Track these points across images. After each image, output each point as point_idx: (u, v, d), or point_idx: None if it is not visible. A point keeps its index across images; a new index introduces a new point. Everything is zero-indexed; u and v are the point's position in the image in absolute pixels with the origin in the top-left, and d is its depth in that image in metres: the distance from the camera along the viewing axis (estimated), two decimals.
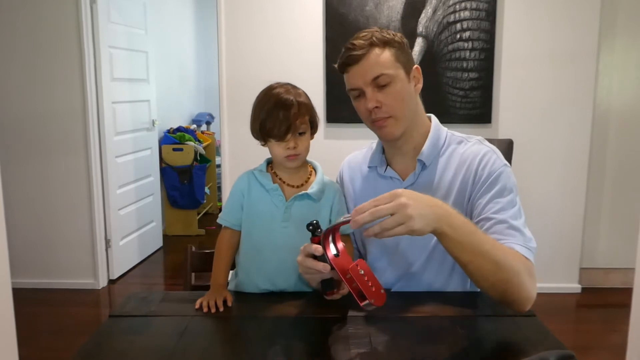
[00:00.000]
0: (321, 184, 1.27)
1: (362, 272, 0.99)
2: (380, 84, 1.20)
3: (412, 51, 1.31)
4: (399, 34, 1.24)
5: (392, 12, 3.05)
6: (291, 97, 1.19)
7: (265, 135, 1.22)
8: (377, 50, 1.20)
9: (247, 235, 1.28)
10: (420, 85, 1.28)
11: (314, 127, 1.25)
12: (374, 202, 0.94)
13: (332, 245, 1.04)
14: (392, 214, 0.93)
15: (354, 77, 1.22)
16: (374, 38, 1.20)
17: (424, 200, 0.98)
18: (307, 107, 1.22)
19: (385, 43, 1.21)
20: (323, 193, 1.26)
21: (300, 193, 1.24)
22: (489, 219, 1.17)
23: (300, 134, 1.21)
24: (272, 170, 1.29)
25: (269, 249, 1.24)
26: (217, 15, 3.11)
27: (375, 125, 1.24)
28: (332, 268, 1.02)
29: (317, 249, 1.03)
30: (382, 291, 0.98)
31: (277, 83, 1.25)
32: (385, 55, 1.20)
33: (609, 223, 3.32)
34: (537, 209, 3.09)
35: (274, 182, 1.26)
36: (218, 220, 1.31)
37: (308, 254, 1.05)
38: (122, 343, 1.04)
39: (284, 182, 1.27)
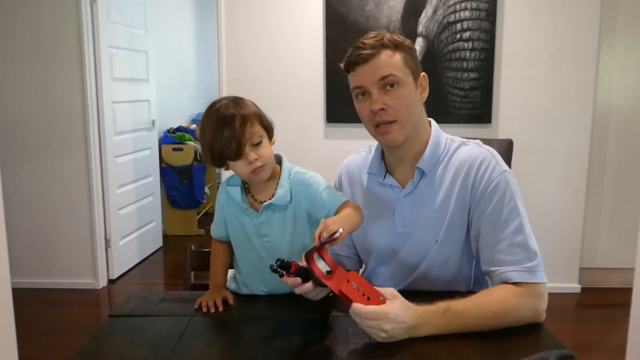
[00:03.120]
0: (285, 186, 1.19)
1: (355, 285, 0.99)
2: (388, 83, 1.17)
3: None
4: (408, 40, 1.22)
5: (392, 12, 3.04)
6: (232, 111, 1.11)
7: (221, 159, 1.14)
8: (388, 52, 1.17)
9: (237, 250, 1.27)
10: (425, 94, 1.25)
11: (269, 132, 1.18)
12: (364, 314, 0.96)
13: (321, 262, 1.01)
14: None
15: (361, 76, 1.18)
16: (386, 39, 1.17)
17: (405, 327, 0.99)
18: (253, 115, 1.13)
19: (396, 46, 1.18)
20: (290, 194, 1.19)
21: (265, 204, 1.18)
22: (490, 235, 1.15)
23: (257, 144, 1.13)
24: (245, 185, 1.24)
25: (259, 262, 1.23)
26: (217, 16, 3.10)
27: (378, 131, 1.20)
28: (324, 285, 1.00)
29: (294, 282, 1.02)
30: (381, 298, 0.98)
31: (218, 100, 1.16)
32: (396, 58, 1.18)
33: (609, 223, 3.32)
34: (537, 209, 3.08)
35: (247, 199, 1.22)
36: (211, 233, 1.30)
37: (294, 286, 1.04)
38: (122, 343, 1.04)
39: (255, 200, 1.22)
